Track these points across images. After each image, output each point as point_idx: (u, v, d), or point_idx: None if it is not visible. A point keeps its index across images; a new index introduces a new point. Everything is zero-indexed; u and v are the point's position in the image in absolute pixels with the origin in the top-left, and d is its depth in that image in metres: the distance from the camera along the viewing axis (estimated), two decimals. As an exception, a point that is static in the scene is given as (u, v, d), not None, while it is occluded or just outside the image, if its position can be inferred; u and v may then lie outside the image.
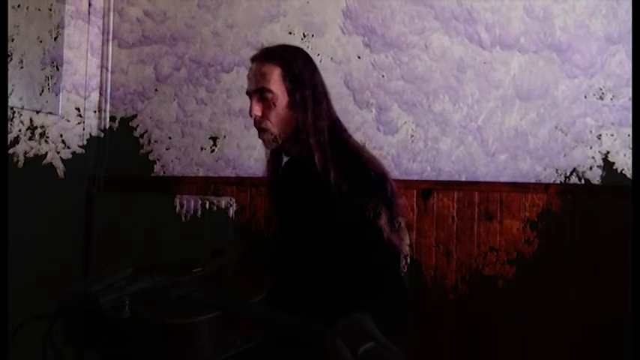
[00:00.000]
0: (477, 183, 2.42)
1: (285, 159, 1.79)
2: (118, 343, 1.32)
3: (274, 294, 1.45)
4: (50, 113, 2.78)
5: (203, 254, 1.75)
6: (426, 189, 2.47)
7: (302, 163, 1.63)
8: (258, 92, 1.61)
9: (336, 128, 1.66)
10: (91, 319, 1.32)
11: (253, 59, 1.66)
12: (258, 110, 1.61)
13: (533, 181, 2.36)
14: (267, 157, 1.80)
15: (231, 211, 2.72)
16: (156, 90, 3.00)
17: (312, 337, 1.18)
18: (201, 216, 2.76)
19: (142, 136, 3.02)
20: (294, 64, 1.61)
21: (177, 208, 2.79)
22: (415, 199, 2.47)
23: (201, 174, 2.89)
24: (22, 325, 1.31)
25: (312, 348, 1.17)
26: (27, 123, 2.67)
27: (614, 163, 2.29)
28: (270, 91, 1.58)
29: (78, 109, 2.98)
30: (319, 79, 1.67)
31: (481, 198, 2.40)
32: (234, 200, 2.73)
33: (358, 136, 2.43)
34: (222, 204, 2.72)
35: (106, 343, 1.34)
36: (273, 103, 1.59)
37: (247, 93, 1.66)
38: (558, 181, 2.34)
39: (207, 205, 2.75)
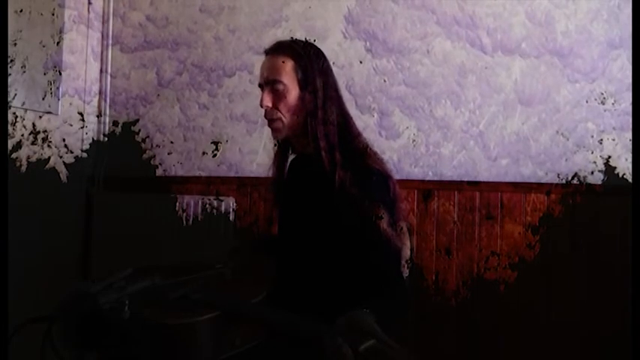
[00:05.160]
0: (478, 183, 2.42)
1: (292, 157, 1.79)
2: (117, 343, 1.31)
3: (275, 293, 1.45)
4: (50, 113, 2.77)
5: (223, 252, 1.75)
6: (427, 189, 2.47)
7: (308, 161, 1.63)
8: (270, 84, 1.61)
9: (347, 126, 1.66)
10: (91, 320, 1.31)
11: (267, 52, 1.67)
12: (268, 101, 1.62)
13: (534, 187, 2.36)
14: (274, 154, 1.81)
15: (232, 213, 2.72)
16: (158, 95, 3.00)
17: (313, 335, 1.17)
18: (202, 218, 2.76)
19: (144, 140, 3.02)
20: (307, 58, 1.62)
21: (179, 212, 2.79)
22: (416, 203, 2.47)
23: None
24: (20, 327, 1.31)
25: (313, 347, 1.16)
26: (29, 127, 2.67)
27: (615, 167, 2.29)
28: (281, 82, 1.59)
29: (80, 114, 2.99)
30: (331, 76, 1.67)
31: (482, 202, 2.39)
32: (234, 200, 2.74)
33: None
34: (223, 206, 2.73)
35: (106, 343, 1.33)
36: (284, 95, 1.60)
37: (259, 85, 1.67)
38: (560, 186, 2.34)
39: (207, 208, 2.75)
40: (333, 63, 2.60)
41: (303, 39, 2.63)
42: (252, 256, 1.81)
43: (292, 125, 1.62)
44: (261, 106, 1.63)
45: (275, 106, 1.61)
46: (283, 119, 1.61)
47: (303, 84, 1.61)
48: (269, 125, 1.66)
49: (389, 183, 1.57)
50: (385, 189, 1.55)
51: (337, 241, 1.50)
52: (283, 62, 1.61)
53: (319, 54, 1.69)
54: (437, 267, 2.44)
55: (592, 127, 2.33)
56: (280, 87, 1.60)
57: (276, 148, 1.81)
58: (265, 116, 1.65)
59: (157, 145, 2.99)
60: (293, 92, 1.60)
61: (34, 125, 2.70)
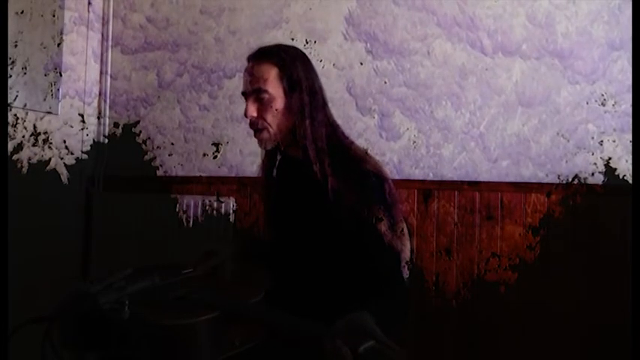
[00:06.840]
0: (478, 184, 2.42)
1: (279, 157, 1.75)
2: (117, 344, 1.31)
3: (274, 294, 1.44)
4: (50, 113, 2.77)
5: (196, 255, 1.73)
6: (427, 190, 2.47)
7: (297, 162, 1.60)
8: (255, 93, 1.56)
9: (336, 134, 1.62)
10: (91, 320, 1.31)
11: (249, 58, 1.62)
12: (253, 111, 1.57)
13: (535, 187, 2.36)
14: (261, 159, 1.77)
15: (232, 214, 2.72)
16: (158, 96, 3.00)
17: (312, 336, 1.17)
18: (202, 219, 2.76)
19: (144, 142, 3.02)
20: (291, 64, 1.57)
21: (180, 213, 2.78)
22: (416, 204, 2.47)
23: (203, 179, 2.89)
24: (20, 327, 1.31)
25: (312, 348, 1.16)
26: (30, 129, 2.67)
27: (615, 168, 2.29)
28: (266, 92, 1.54)
29: (81, 115, 2.99)
30: (317, 82, 1.62)
31: (482, 203, 2.39)
32: (234, 201, 2.73)
33: (360, 143, 2.41)
34: (224, 207, 2.73)
35: (106, 344, 1.33)
36: (270, 105, 1.55)
37: (243, 93, 1.62)
38: (560, 187, 2.33)
39: (208, 209, 2.75)
40: (334, 64, 2.64)
41: (304, 40, 2.68)
42: (237, 257, 1.78)
43: (279, 133, 1.58)
44: (246, 116, 1.58)
45: (261, 116, 1.57)
46: (270, 129, 1.57)
47: (289, 91, 1.56)
48: (255, 136, 1.61)
49: (383, 185, 1.53)
50: (380, 191, 1.52)
51: (336, 244, 1.48)
52: (267, 70, 1.56)
53: (304, 58, 1.63)
54: (437, 268, 2.43)
55: (592, 129, 2.33)
56: (265, 96, 1.55)
57: (264, 152, 1.75)
58: (251, 126, 1.60)
59: (157, 147, 2.99)
60: (278, 100, 1.55)
61: (34, 127, 2.70)
